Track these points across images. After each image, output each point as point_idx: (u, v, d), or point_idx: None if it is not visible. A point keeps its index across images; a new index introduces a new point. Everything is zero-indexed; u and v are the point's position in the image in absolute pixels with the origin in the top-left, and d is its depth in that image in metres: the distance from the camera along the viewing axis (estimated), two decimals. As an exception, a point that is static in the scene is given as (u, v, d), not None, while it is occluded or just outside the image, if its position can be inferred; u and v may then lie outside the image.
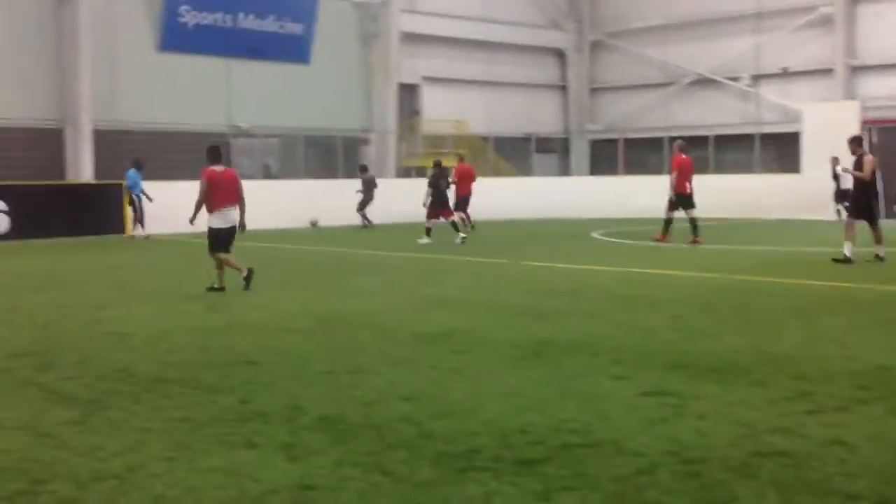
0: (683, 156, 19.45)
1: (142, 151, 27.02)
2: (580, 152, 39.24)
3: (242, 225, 12.32)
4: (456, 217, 20.90)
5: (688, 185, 19.21)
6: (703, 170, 32.52)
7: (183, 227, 13.87)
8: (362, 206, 26.59)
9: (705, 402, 5.95)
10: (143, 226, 22.88)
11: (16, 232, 21.98)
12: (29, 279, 13.88)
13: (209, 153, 12.29)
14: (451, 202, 21.12)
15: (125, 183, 23.09)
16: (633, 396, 6.14)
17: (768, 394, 6.16)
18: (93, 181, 25.10)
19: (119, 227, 23.61)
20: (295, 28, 30.34)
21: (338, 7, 31.63)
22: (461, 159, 25.01)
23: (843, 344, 7.88)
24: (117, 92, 26.50)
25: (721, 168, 32.64)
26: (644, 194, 26.28)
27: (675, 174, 19.26)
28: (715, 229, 24.16)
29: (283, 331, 8.86)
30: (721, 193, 29.64)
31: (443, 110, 34.11)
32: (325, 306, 10.52)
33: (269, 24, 29.73)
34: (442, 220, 20.52)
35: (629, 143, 35.99)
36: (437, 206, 20.41)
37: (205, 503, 4.24)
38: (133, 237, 22.82)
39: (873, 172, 14.53)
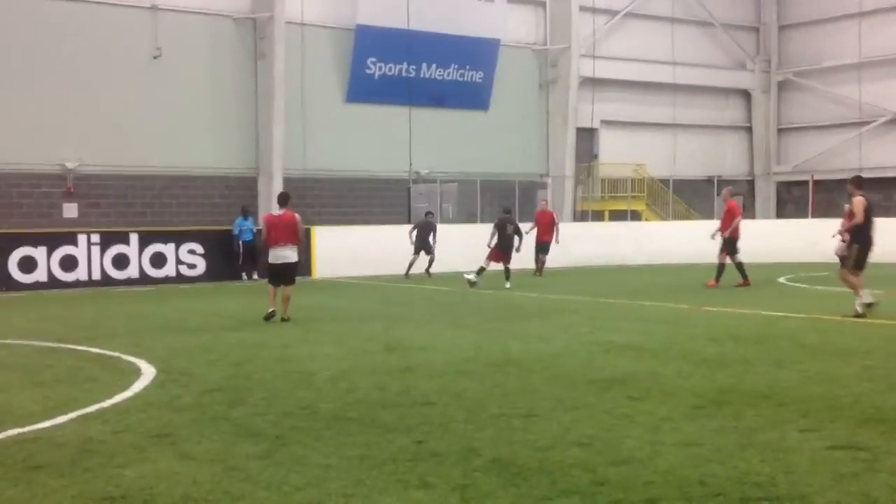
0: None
1: (328, 198, 28.27)
2: (765, 194, 37.88)
3: (298, 261, 14.06)
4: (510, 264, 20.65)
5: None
6: (902, 212, 30.75)
7: (365, 269, 14.55)
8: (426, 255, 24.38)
9: (901, 459, 5.57)
10: (248, 273, 23.46)
11: (210, 273, 23.36)
12: (223, 319, 14.67)
13: (278, 198, 14.38)
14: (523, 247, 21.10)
15: (233, 231, 23.80)
16: (821, 450, 5.83)
17: (973, 452, 5.70)
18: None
19: (307, 269, 24.62)
20: (475, 76, 31.00)
21: (518, 54, 32.11)
22: (544, 206, 25.50)
23: None
24: (307, 141, 27.83)
25: (920, 210, 30.70)
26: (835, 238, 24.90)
27: (738, 219, 19.85)
28: (915, 275, 22.66)
29: (457, 373, 8.96)
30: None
31: (621, 154, 33.84)
32: (498, 350, 10.57)
33: (451, 73, 30.52)
34: (501, 265, 20.52)
35: (819, 184, 34.45)
36: (501, 250, 20.45)
37: (380, 540, 4.32)
38: (255, 281, 23.04)
39: (866, 213, 13.44)
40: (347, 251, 24.55)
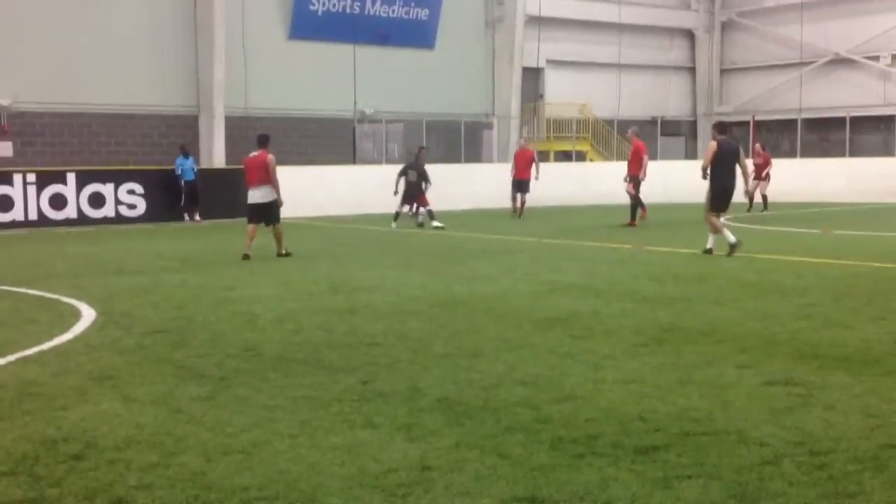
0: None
1: (272, 137, 27.89)
2: (708, 135, 38.22)
3: (280, 201, 14.34)
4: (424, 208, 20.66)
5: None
6: (840, 153, 31.35)
7: (309, 210, 14.60)
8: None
9: (834, 393, 5.75)
10: (191, 214, 23.12)
11: (150, 214, 22.98)
12: (165, 261, 14.49)
13: (257, 139, 14.68)
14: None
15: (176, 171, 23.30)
16: (758, 385, 5.99)
17: (903, 386, 5.90)
18: (224, 166, 26.00)
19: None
20: (421, 13, 30.58)
21: (464, -9, 31.71)
22: (523, 143, 25.50)
23: None
24: (249, 79, 27.31)
25: (857, 151, 31.34)
26: (776, 178, 25.38)
27: (646, 158, 20.36)
28: (851, 214, 23.22)
29: (403, 314, 8.99)
30: (857, 178, 28.49)
31: (567, 94, 33.82)
32: (444, 290, 10.61)
33: (396, 10, 30.07)
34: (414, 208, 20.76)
35: (760, 125, 34.87)
36: (406, 196, 20.61)
37: (326, 480, 4.35)
38: (198, 222, 22.94)
39: (716, 158, 13.75)
40: (292, 192, 23.97)
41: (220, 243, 17.56)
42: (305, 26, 28.36)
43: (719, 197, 14.05)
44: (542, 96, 34.18)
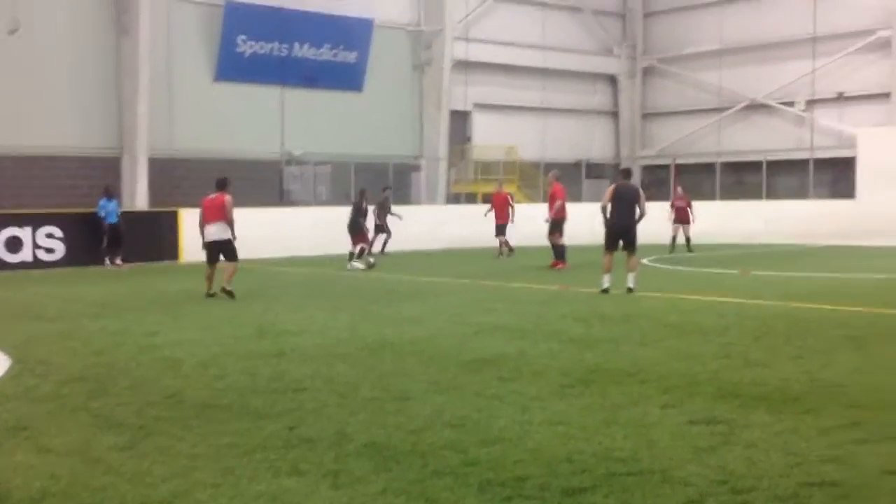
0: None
1: (196, 179, 27.56)
2: (633, 178, 39.03)
3: (230, 238, 14.62)
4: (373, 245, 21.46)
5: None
6: (757, 195, 32.26)
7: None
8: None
9: (755, 431, 5.85)
10: (112, 258, 22.39)
11: (70, 258, 22.40)
12: (84, 306, 14.13)
13: (216, 183, 14.94)
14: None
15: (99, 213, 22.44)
16: (681, 425, 6.07)
17: (819, 422, 6.04)
18: (147, 209, 25.59)
19: (174, 253, 23.97)
20: (349, 56, 30.73)
21: (392, 35, 32.00)
22: (498, 187, 25.74)
23: (899, 373, 7.71)
24: (174, 121, 27.04)
25: (774, 194, 32.30)
26: (697, 220, 25.94)
27: (560, 202, 20.55)
28: (767, 255, 23.84)
29: (331, 357, 8.90)
30: (774, 219, 29.32)
31: (494, 137, 34.24)
32: (372, 332, 10.56)
33: (324, 53, 30.17)
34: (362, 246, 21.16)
35: (681, 168, 35.72)
36: (354, 232, 21.03)
37: (249, 529, 4.25)
38: (119, 266, 22.24)
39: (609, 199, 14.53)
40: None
41: (143, 287, 17.21)
42: (232, 68, 28.24)
43: (611, 236, 14.65)
44: (469, 139, 34.53)
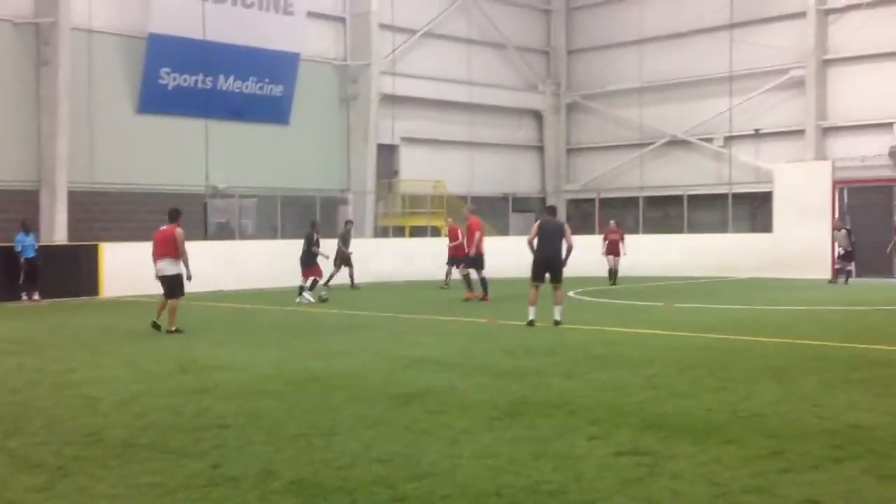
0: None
1: (117, 212, 27.05)
2: (558, 213, 39.47)
3: (188, 275, 14.33)
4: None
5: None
6: (679, 229, 32.95)
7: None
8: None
9: (680, 462, 5.92)
10: (29, 293, 21.90)
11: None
12: (0, 342, 13.69)
13: (168, 214, 14.76)
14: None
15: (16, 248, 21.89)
16: (608, 456, 6.11)
17: (742, 452, 6.15)
18: (66, 242, 24.97)
19: (93, 289, 23.42)
20: (275, 89, 30.59)
21: (319, 69, 31.98)
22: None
23: (816, 402, 7.90)
24: (94, 153, 26.52)
25: (694, 227, 32.99)
26: (627, 252, 26.39)
27: (479, 235, 20.74)
28: (690, 288, 24.32)
29: (256, 393, 8.77)
30: (694, 253, 29.94)
31: (422, 170, 34.37)
32: (299, 367, 10.44)
33: (250, 86, 29.98)
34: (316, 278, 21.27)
35: (605, 202, 36.31)
36: (306, 265, 21.10)
37: (171, 571, 4.14)
38: (36, 301, 21.76)
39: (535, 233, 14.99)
40: (138, 269, 23.24)
41: (61, 323, 16.75)
42: (155, 101, 27.84)
43: (537, 266, 14.92)
44: (397, 172, 34.59)
